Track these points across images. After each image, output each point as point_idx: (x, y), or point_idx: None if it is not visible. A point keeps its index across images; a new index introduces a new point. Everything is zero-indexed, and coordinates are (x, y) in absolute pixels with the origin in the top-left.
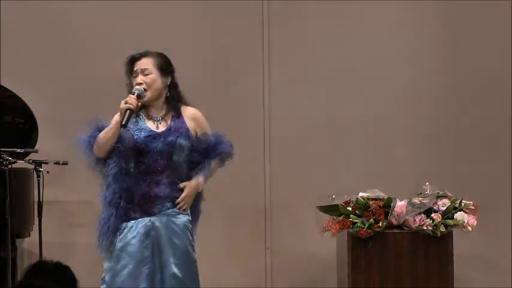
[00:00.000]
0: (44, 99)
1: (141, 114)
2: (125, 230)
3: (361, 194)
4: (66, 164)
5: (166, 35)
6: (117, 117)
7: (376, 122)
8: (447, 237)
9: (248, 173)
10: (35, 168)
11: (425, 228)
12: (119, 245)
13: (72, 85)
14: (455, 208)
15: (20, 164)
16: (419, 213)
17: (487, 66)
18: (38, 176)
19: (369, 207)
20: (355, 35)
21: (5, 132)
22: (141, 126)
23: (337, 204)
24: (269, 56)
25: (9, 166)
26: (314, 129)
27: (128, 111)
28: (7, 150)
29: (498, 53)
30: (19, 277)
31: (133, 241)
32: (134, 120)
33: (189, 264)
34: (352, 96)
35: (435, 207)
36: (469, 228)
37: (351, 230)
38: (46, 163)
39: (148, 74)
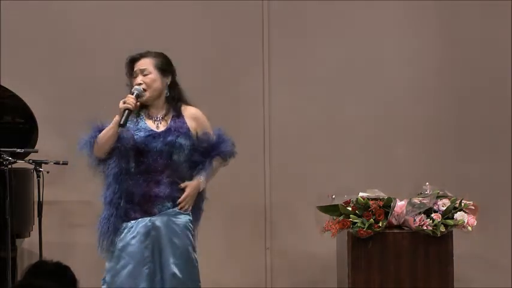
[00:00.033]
0: (44, 99)
1: (142, 114)
2: (125, 230)
3: (361, 194)
4: (66, 164)
5: (166, 35)
6: (117, 117)
7: (376, 122)
8: (447, 237)
9: (248, 173)
10: (35, 168)
11: (425, 228)
12: (119, 245)
13: (72, 85)
14: (455, 208)
15: (20, 164)
16: (419, 213)
17: (487, 66)
18: (38, 176)
19: (369, 207)
20: (355, 35)
21: (5, 132)
22: (141, 126)
23: (337, 204)
24: (269, 56)
25: (9, 166)
26: (314, 129)
27: (127, 111)
28: (7, 150)
29: (498, 53)
30: (19, 277)
31: (134, 241)
32: (135, 120)
33: (189, 264)
34: (352, 96)
35: (435, 207)
36: (469, 228)
37: (351, 230)
38: (46, 163)
39: (147, 74)
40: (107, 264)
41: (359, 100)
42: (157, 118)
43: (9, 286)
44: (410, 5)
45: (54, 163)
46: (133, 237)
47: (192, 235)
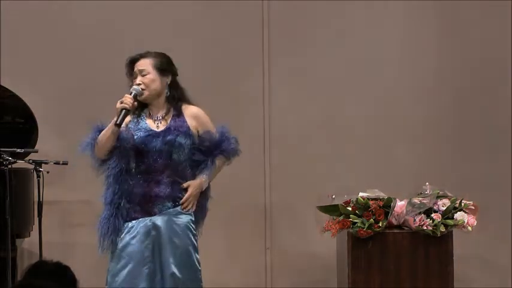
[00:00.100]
0: (44, 99)
1: (143, 114)
2: (126, 230)
3: (361, 194)
4: (66, 164)
5: (166, 35)
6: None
7: (376, 122)
8: (447, 237)
9: (248, 173)
10: (35, 168)
11: (425, 228)
12: (119, 245)
13: (72, 85)
14: (455, 208)
15: (20, 164)
16: (419, 213)
17: (487, 66)
18: (38, 176)
19: (369, 207)
20: (355, 35)
21: (5, 132)
22: (141, 126)
23: (337, 204)
24: (269, 56)
25: (9, 166)
26: (314, 129)
27: (124, 110)
28: (7, 150)
29: (498, 53)
30: (19, 277)
31: (134, 241)
32: (135, 120)
33: (189, 264)
34: (352, 96)
35: (435, 207)
36: (469, 228)
37: (351, 230)
38: (46, 163)
39: (146, 75)
40: (109, 264)
41: (359, 100)
42: (157, 118)
43: (9, 286)
44: (410, 5)
45: (54, 163)
46: (134, 237)
47: (194, 235)
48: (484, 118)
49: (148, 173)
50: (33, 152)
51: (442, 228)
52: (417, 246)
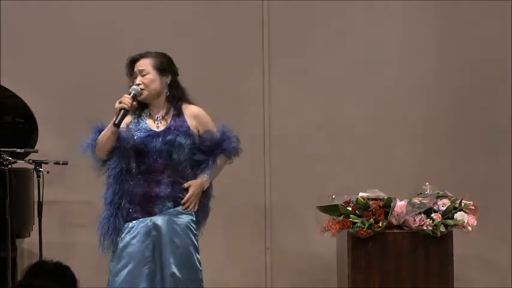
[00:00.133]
0: (44, 99)
1: (144, 114)
2: (126, 230)
3: (361, 194)
4: (66, 164)
5: (166, 35)
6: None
7: (376, 122)
8: (447, 237)
9: (248, 173)
10: (35, 168)
11: (425, 228)
12: (120, 245)
13: (72, 85)
14: (455, 208)
15: (20, 164)
16: (419, 213)
17: (487, 66)
18: (38, 176)
19: (369, 207)
20: (355, 35)
21: (5, 132)
22: (141, 126)
23: (337, 204)
24: (269, 56)
25: (9, 166)
26: (314, 129)
27: (122, 110)
28: (7, 150)
29: (498, 53)
30: (19, 277)
31: (134, 241)
32: (136, 120)
33: (190, 264)
34: (352, 96)
35: (435, 207)
36: (469, 228)
37: (351, 230)
38: (46, 163)
39: (145, 75)
40: (110, 264)
41: (359, 100)
42: (157, 118)
43: (9, 286)
44: (410, 5)
45: (54, 163)
46: (134, 237)
47: (195, 235)
48: (484, 118)
49: (148, 173)
50: (33, 152)
51: (442, 228)
52: (417, 246)
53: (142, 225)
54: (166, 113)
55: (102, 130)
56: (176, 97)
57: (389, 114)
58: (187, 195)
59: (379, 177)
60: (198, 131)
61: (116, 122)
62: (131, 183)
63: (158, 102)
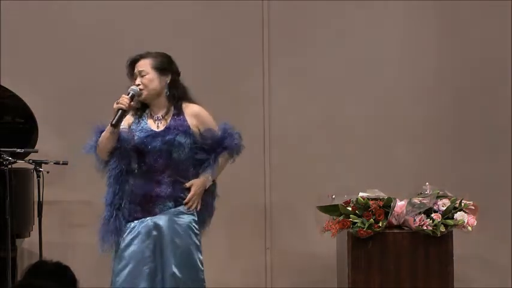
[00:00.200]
0: (44, 99)
1: (145, 114)
2: (128, 230)
3: (361, 194)
4: (66, 164)
5: (166, 35)
6: None
7: (376, 122)
8: (447, 237)
9: (248, 173)
10: (35, 168)
11: (425, 228)
12: (121, 245)
13: (72, 85)
14: (455, 208)
15: (20, 164)
16: (419, 213)
17: (487, 66)
18: (38, 176)
19: (369, 207)
20: (356, 35)
21: (5, 132)
22: (142, 127)
23: (337, 204)
24: (269, 56)
25: (9, 166)
26: (314, 129)
27: (120, 111)
28: (7, 150)
29: (498, 53)
30: (19, 277)
31: (135, 241)
32: (137, 120)
33: (190, 264)
34: (352, 96)
35: (435, 207)
36: (469, 228)
37: (351, 230)
38: (46, 163)
39: (144, 75)
40: (112, 265)
41: (359, 100)
42: (158, 117)
43: (9, 286)
44: (410, 5)
45: (54, 163)
46: (135, 237)
47: (196, 235)
48: (484, 118)
49: (149, 173)
50: (33, 152)
51: (442, 228)
52: (417, 246)
53: (143, 225)
54: (167, 113)
55: (103, 130)
56: (176, 96)
57: (389, 114)
58: (189, 195)
59: (379, 177)
60: (199, 130)
61: (113, 122)
62: (132, 183)
63: (159, 102)
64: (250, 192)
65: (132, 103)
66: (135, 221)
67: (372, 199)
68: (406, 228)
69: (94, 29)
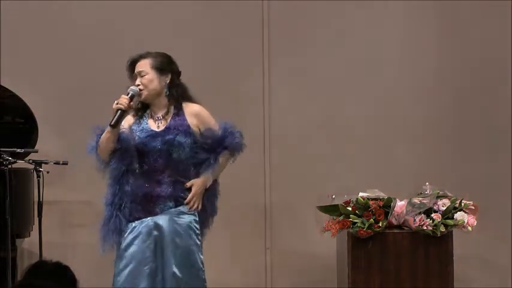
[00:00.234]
0: (44, 99)
1: (145, 114)
2: (129, 230)
3: (361, 194)
4: (66, 164)
5: (166, 35)
6: None
7: (376, 122)
8: (447, 237)
9: (248, 173)
10: (35, 168)
11: (425, 228)
12: (122, 245)
13: (72, 85)
14: (455, 208)
15: (20, 164)
16: (419, 213)
17: (487, 66)
18: (38, 176)
19: (369, 207)
20: (356, 35)
21: (5, 132)
22: (143, 127)
23: (337, 204)
24: (269, 56)
25: (9, 166)
26: (314, 129)
27: (119, 111)
28: (7, 150)
29: (498, 53)
30: (19, 277)
31: (136, 241)
32: (138, 121)
33: (190, 264)
34: (352, 96)
35: (435, 207)
36: (469, 228)
37: (351, 230)
38: (46, 163)
39: (144, 75)
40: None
41: (359, 100)
42: (158, 117)
43: (9, 286)
44: (410, 5)
45: (54, 163)
46: (136, 237)
47: (197, 235)
48: (484, 118)
49: (150, 173)
50: (33, 152)
51: (442, 228)
52: (417, 246)
53: (144, 225)
54: (167, 113)
55: (104, 130)
56: (176, 96)
57: (389, 114)
58: (190, 195)
59: (379, 177)
60: (199, 129)
61: (113, 122)
62: (133, 183)
63: (159, 102)
64: (250, 192)
65: (131, 103)
66: (136, 221)
67: (372, 199)
68: (406, 228)
69: (94, 29)
